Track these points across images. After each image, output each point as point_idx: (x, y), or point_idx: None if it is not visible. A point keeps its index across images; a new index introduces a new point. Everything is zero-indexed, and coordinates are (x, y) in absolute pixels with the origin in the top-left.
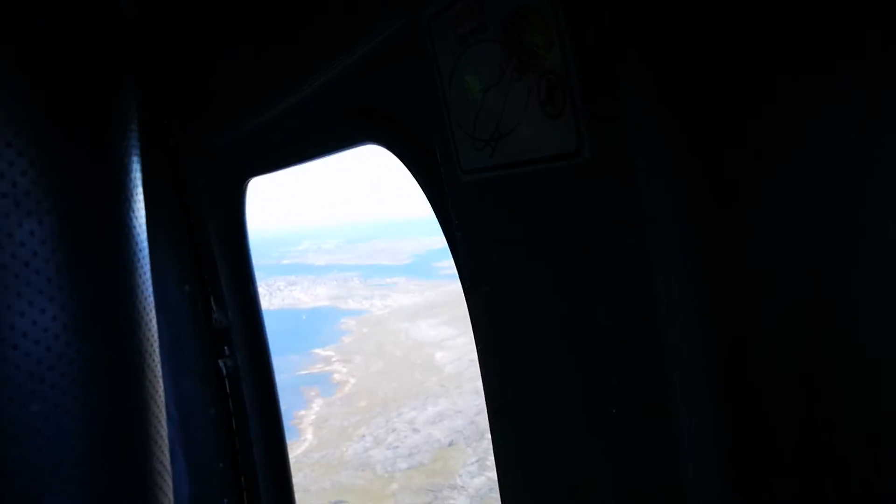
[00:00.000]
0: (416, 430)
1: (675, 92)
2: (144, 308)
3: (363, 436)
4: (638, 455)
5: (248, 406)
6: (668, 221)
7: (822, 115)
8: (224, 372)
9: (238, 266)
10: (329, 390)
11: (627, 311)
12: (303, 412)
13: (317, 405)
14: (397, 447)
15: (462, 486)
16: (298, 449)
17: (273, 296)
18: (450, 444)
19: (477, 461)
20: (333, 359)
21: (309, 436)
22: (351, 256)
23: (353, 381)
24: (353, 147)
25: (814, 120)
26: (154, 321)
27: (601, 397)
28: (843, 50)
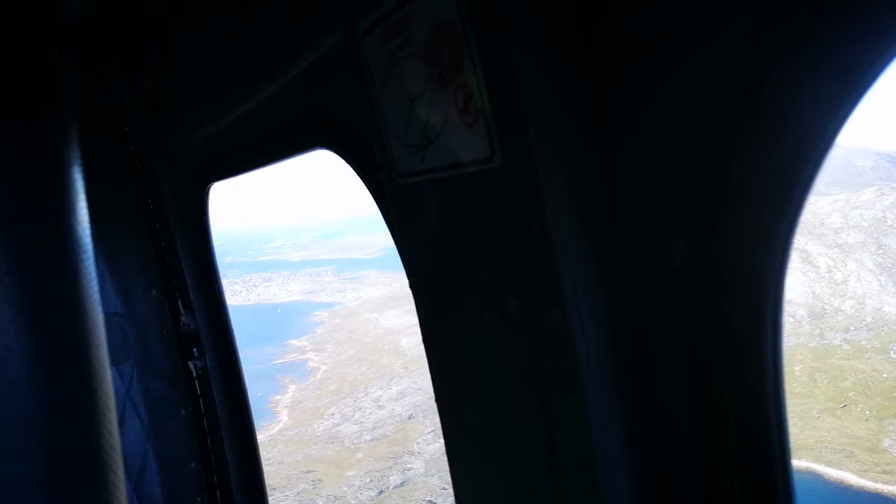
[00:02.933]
0: (380, 407)
1: (572, 100)
2: (88, 311)
3: (333, 414)
4: (553, 426)
5: (219, 406)
6: (568, 218)
7: (699, 109)
8: (194, 373)
9: (203, 269)
10: (303, 377)
11: (536, 300)
12: (278, 397)
13: (291, 390)
14: (363, 422)
15: (419, 452)
16: (274, 429)
17: (249, 292)
18: (409, 418)
19: (433, 431)
20: (307, 348)
21: (284, 417)
22: (325, 251)
23: (324, 367)
24: (306, 152)
25: (690, 115)
26: (101, 323)
27: (520, 378)
28: (713, 45)
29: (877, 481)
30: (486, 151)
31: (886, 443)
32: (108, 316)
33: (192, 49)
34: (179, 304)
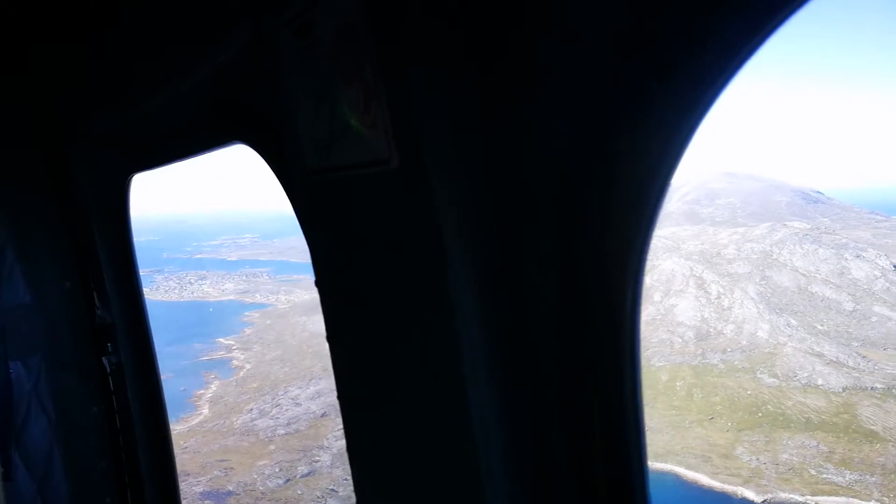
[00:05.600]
0: (297, 405)
1: (464, 109)
2: None
3: (251, 409)
4: (442, 417)
5: (133, 403)
6: (455, 223)
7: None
8: (107, 369)
9: (122, 261)
10: (227, 374)
11: (427, 300)
12: (201, 391)
13: (214, 386)
14: (279, 418)
15: (328, 447)
16: (194, 420)
17: (183, 289)
18: (323, 416)
19: (342, 428)
20: (234, 347)
21: (205, 410)
22: (264, 252)
23: (249, 366)
24: (224, 146)
25: (556, 133)
26: None
27: (414, 375)
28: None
29: (724, 482)
30: (384, 154)
31: (739, 450)
32: (14, 307)
33: (113, 35)
34: (95, 296)
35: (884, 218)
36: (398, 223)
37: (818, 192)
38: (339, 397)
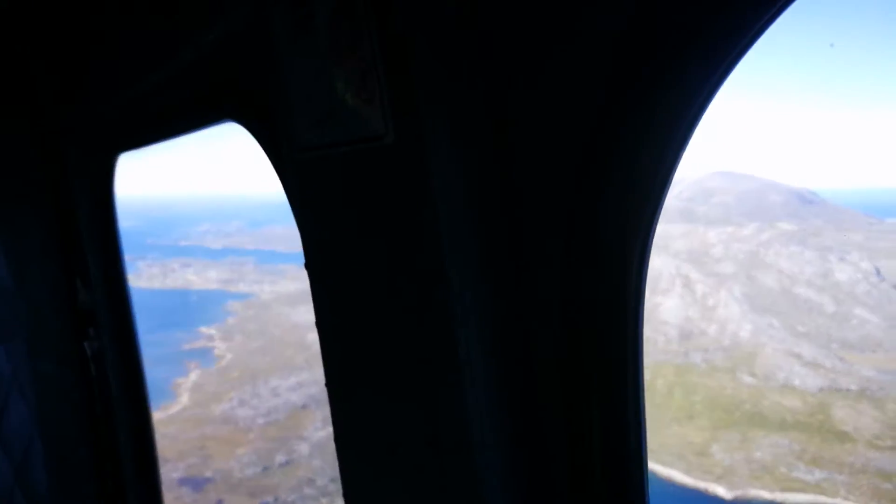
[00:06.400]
0: (277, 395)
1: (468, 89)
2: None
3: (231, 398)
4: (435, 406)
5: (114, 390)
6: (455, 202)
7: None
8: (89, 354)
9: (106, 245)
10: (208, 363)
11: (425, 285)
12: (181, 380)
13: (195, 375)
14: (259, 407)
15: (307, 438)
16: (173, 409)
17: (167, 276)
18: (303, 407)
19: (322, 419)
20: (216, 336)
21: (185, 399)
22: (249, 240)
23: (230, 355)
24: (215, 124)
25: (568, 120)
26: None
27: (408, 361)
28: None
29: (697, 479)
30: (380, 129)
31: (714, 448)
32: (0, 290)
33: (102, 16)
34: (78, 280)
35: (877, 221)
36: (394, 203)
37: (813, 192)
38: (327, 385)
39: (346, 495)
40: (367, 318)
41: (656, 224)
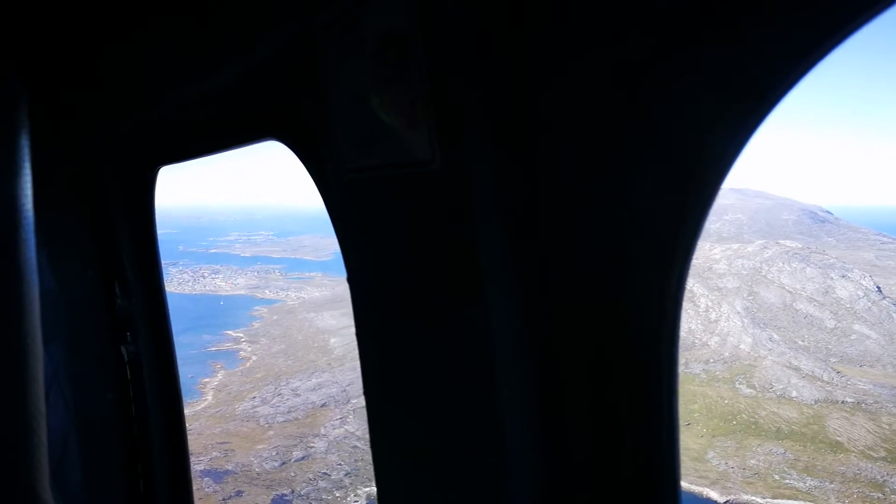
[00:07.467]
0: (297, 395)
1: (505, 114)
2: (25, 283)
3: (254, 398)
4: (470, 417)
5: (149, 392)
6: (493, 225)
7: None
8: (125, 357)
9: (144, 253)
10: (233, 364)
11: (461, 299)
12: (207, 379)
13: (220, 375)
14: (279, 406)
15: (324, 435)
16: (199, 406)
17: (197, 282)
18: (322, 406)
19: (340, 418)
20: (242, 339)
21: (209, 397)
22: (277, 250)
23: (255, 357)
24: (257, 142)
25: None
26: (36, 307)
27: (443, 374)
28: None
29: (692, 483)
30: (427, 154)
31: (710, 454)
32: (43, 292)
33: (149, 33)
34: (116, 286)
35: (890, 240)
36: (436, 225)
37: (827, 210)
38: (365, 393)
39: (380, 499)
40: (404, 330)
41: (701, 227)
